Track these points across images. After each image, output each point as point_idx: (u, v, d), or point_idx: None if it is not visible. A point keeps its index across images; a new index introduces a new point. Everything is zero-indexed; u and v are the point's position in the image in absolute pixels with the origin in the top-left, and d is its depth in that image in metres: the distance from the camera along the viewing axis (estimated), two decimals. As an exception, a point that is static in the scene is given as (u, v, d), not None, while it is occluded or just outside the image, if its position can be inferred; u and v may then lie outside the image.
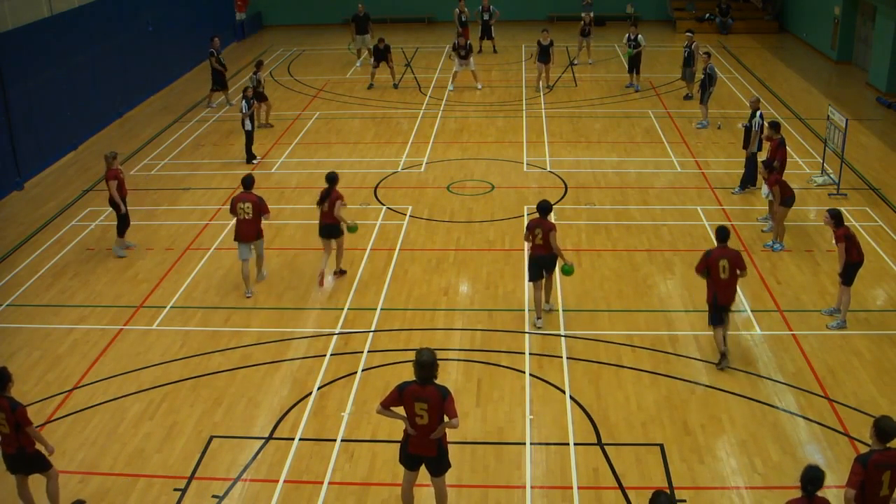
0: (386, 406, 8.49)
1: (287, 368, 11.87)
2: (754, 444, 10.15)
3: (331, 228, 13.73)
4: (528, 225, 12.58)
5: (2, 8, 18.70)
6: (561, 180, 18.09)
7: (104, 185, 15.26)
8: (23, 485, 9.12)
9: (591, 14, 27.85)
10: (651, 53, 29.01)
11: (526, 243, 12.86)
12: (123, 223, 15.19)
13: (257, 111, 22.28)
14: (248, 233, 13.50)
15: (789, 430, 10.41)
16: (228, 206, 14.13)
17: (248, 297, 13.67)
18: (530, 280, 12.67)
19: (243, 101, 19.24)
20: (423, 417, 8.38)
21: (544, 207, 12.36)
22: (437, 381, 8.47)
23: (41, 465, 9.03)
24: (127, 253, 15.31)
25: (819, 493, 7.37)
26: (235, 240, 13.64)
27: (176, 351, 12.38)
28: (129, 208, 15.16)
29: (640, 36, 24.19)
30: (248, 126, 19.26)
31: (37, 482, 9.21)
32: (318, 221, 13.80)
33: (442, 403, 8.32)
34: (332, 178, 13.71)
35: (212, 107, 24.08)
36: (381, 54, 25.03)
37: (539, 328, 12.55)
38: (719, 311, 11.47)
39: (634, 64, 24.61)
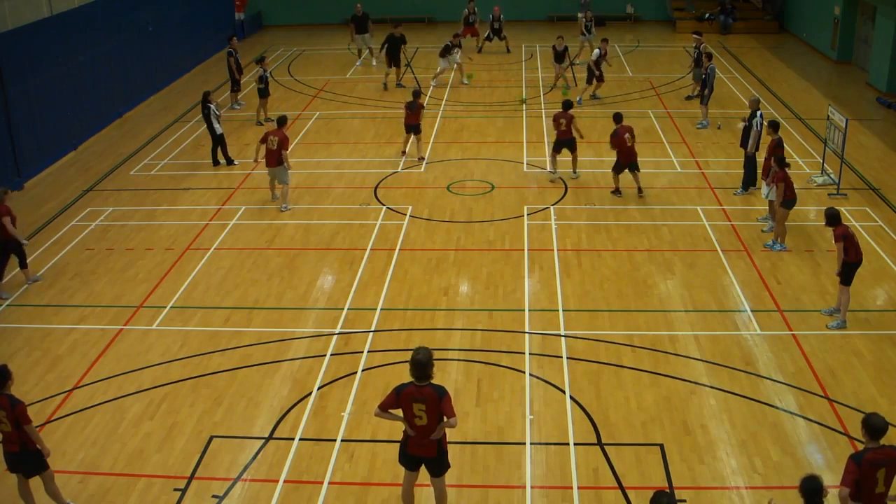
0: (384, 409, 8.48)
1: (287, 368, 11.87)
2: (754, 444, 10.15)
3: (414, 127, 19.10)
4: (554, 116, 17.79)
5: (2, 8, 18.70)
6: (561, 180, 18.08)
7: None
8: (23, 484, 9.13)
9: (590, 13, 27.79)
10: (650, 53, 29.02)
11: (556, 129, 17.70)
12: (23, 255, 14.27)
13: (260, 107, 22.36)
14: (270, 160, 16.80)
15: (789, 430, 10.41)
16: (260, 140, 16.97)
17: (282, 210, 16.94)
18: (555, 152, 18.00)
19: (212, 106, 19.08)
20: (422, 418, 8.38)
21: (569, 104, 17.88)
22: (435, 381, 8.47)
23: (40, 465, 9.03)
24: (40, 277, 14.60)
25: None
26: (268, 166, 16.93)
27: (176, 351, 12.38)
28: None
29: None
30: (221, 129, 19.25)
31: (36, 482, 9.21)
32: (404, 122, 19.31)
33: (439, 403, 8.32)
34: (416, 94, 19.23)
35: (240, 105, 23.98)
36: (396, 43, 24.68)
37: (553, 180, 17.97)
38: (622, 165, 17.00)
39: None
